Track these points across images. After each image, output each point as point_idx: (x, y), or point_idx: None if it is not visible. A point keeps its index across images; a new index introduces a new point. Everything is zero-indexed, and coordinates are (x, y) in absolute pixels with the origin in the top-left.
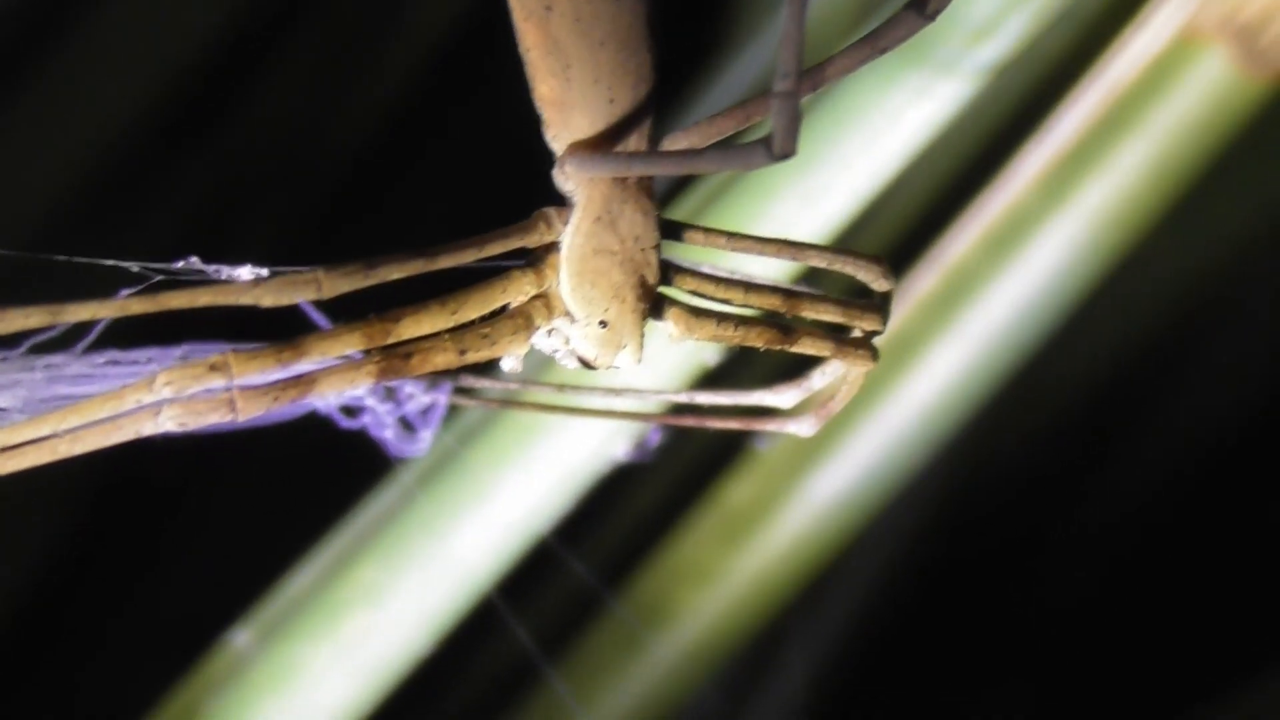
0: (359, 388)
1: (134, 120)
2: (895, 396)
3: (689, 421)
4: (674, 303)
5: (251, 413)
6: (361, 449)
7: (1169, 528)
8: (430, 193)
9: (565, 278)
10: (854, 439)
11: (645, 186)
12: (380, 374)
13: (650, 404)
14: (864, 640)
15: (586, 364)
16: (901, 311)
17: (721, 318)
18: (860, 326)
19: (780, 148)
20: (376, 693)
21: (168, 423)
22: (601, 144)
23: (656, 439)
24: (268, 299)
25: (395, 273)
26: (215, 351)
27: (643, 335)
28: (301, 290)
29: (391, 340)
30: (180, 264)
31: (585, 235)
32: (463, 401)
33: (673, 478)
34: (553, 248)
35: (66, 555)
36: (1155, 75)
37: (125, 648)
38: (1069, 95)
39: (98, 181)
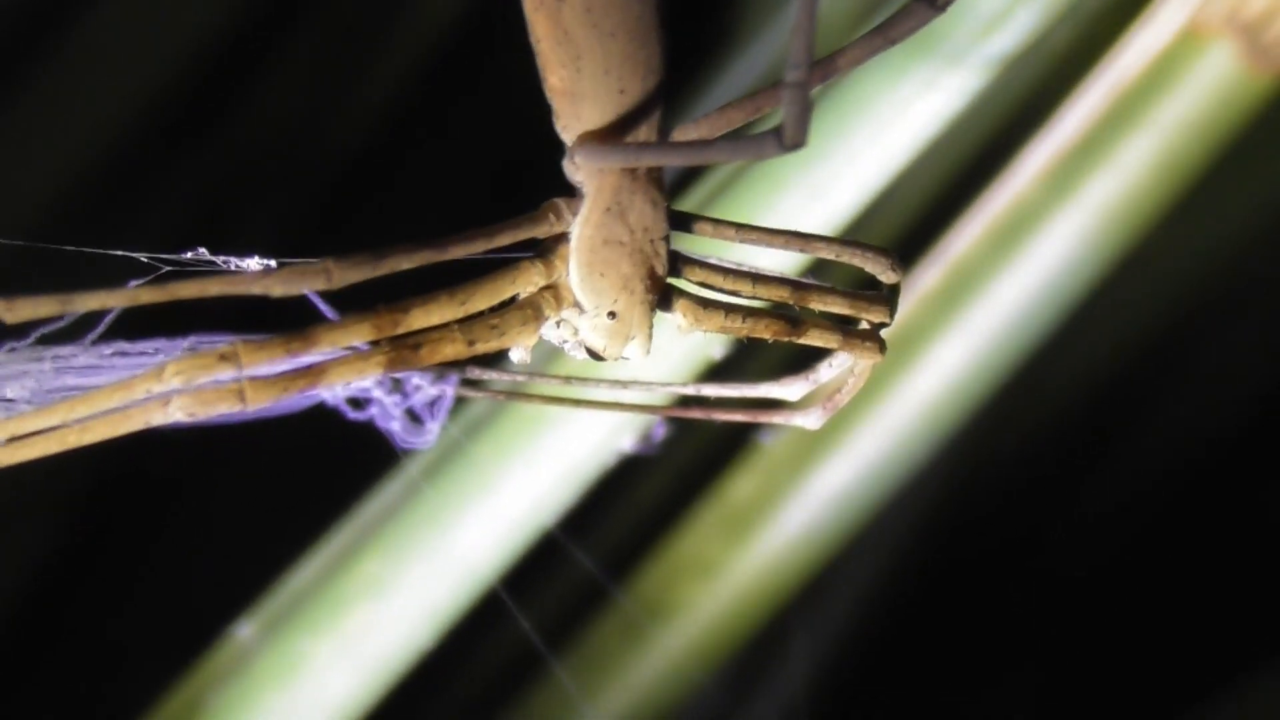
0: (368, 378)
1: (136, 116)
2: (899, 392)
3: (696, 414)
4: (682, 294)
5: (260, 403)
6: (365, 441)
7: (1171, 527)
8: (431, 192)
9: (574, 269)
10: (857, 434)
11: (655, 178)
12: (389, 364)
13: (657, 396)
14: (865, 636)
15: (595, 355)
16: (906, 306)
17: (729, 309)
18: (867, 319)
19: (791, 138)
20: (380, 686)
21: (177, 413)
22: (611, 135)
23: (662, 432)
24: (278, 288)
25: (404, 263)
26: (222, 343)
27: (651, 326)
28: (311, 280)
29: (400, 331)
30: (189, 255)
31: (595, 226)
32: (469, 394)
33: (676, 471)
34: (562, 239)
35: (70, 548)
36: (1161, 70)
37: (128, 641)
38: (1074, 90)
39: (99, 178)
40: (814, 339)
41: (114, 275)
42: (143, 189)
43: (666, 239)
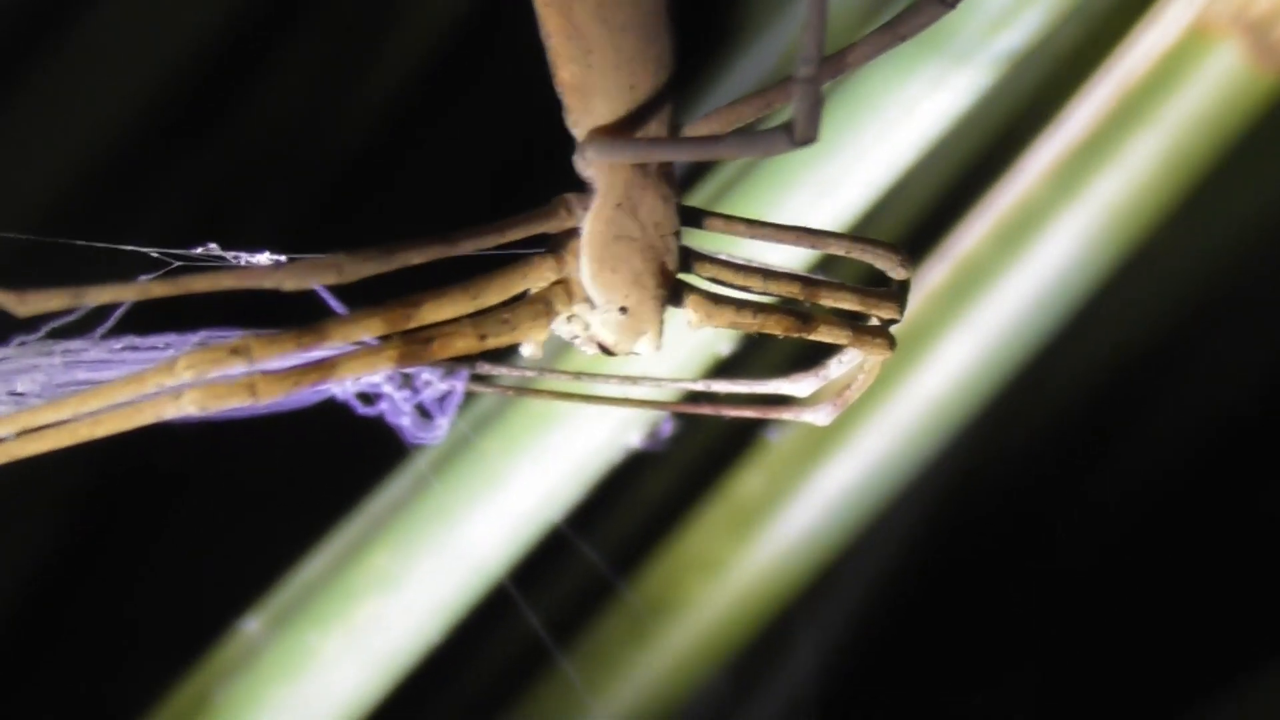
0: (379, 372)
1: (137, 115)
2: (905, 389)
3: (706, 410)
4: (693, 290)
5: (271, 397)
6: (373, 435)
7: (1177, 525)
8: (432, 190)
9: (585, 264)
10: (863, 431)
11: (666, 173)
12: (400, 359)
13: (667, 392)
14: (871, 632)
15: (606, 350)
16: (912, 303)
17: (740, 305)
18: (877, 315)
19: (802, 134)
20: (388, 680)
21: (189, 406)
22: (623, 130)
23: (669, 428)
24: (290, 283)
25: (416, 258)
26: (233, 337)
27: (662, 322)
28: (323, 274)
29: (412, 325)
30: (199, 250)
31: (606, 221)
32: (479, 389)
33: (683, 467)
34: (573, 234)
35: (78, 541)
36: (1168, 69)
37: (136, 634)
38: (1081, 88)
39: (101, 177)
40: (824, 335)
41: (120, 272)
42: (144, 188)
43: (677, 234)
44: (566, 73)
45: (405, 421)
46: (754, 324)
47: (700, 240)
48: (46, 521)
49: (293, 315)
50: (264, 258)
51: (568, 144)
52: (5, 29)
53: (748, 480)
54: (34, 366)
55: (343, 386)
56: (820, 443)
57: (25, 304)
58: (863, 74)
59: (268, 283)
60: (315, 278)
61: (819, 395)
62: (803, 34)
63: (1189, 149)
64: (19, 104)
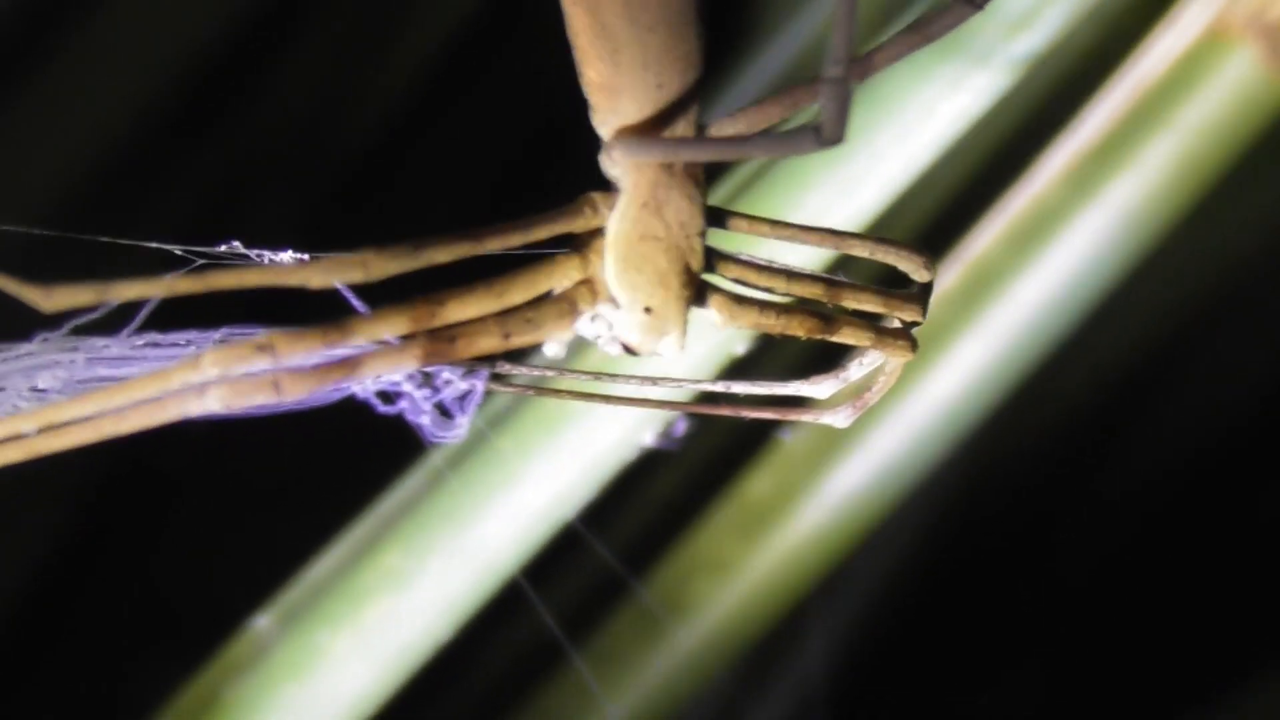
0: (403, 370)
1: (145, 113)
2: (918, 391)
3: (725, 410)
4: (717, 290)
5: (296, 394)
6: (385, 433)
7: (1186, 528)
8: (433, 190)
9: (610, 263)
10: (876, 432)
11: (692, 173)
12: (425, 357)
13: (685, 392)
14: (881, 632)
15: (630, 350)
16: None
17: (763, 306)
18: (899, 317)
19: (830, 134)
20: (399, 678)
21: (213, 403)
22: (649, 129)
23: (683, 427)
24: (316, 279)
25: (442, 255)
26: (257, 334)
27: (686, 322)
28: (349, 271)
29: (436, 323)
30: (223, 248)
31: (632, 221)
32: (499, 388)
33: (696, 466)
34: (598, 233)
35: (89, 538)
36: (1183, 72)
37: (146, 632)
38: (1097, 91)
39: (110, 174)
40: (846, 336)
41: (139, 269)
42: (155, 185)
43: (703, 234)
44: (594, 71)
45: (425, 420)
46: (777, 325)
47: (721, 240)
48: (58, 519)
49: (306, 314)
50: (288, 256)
51: (580, 140)
52: (19, 26)
53: (760, 480)
54: (55, 363)
55: (364, 385)
56: (833, 443)
57: (51, 298)
58: (882, 75)
59: (293, 280)
60: (341, 275)
61: (838, 397)
62: (832, 34)
63: (1205, 152)
64: (31, 101)
